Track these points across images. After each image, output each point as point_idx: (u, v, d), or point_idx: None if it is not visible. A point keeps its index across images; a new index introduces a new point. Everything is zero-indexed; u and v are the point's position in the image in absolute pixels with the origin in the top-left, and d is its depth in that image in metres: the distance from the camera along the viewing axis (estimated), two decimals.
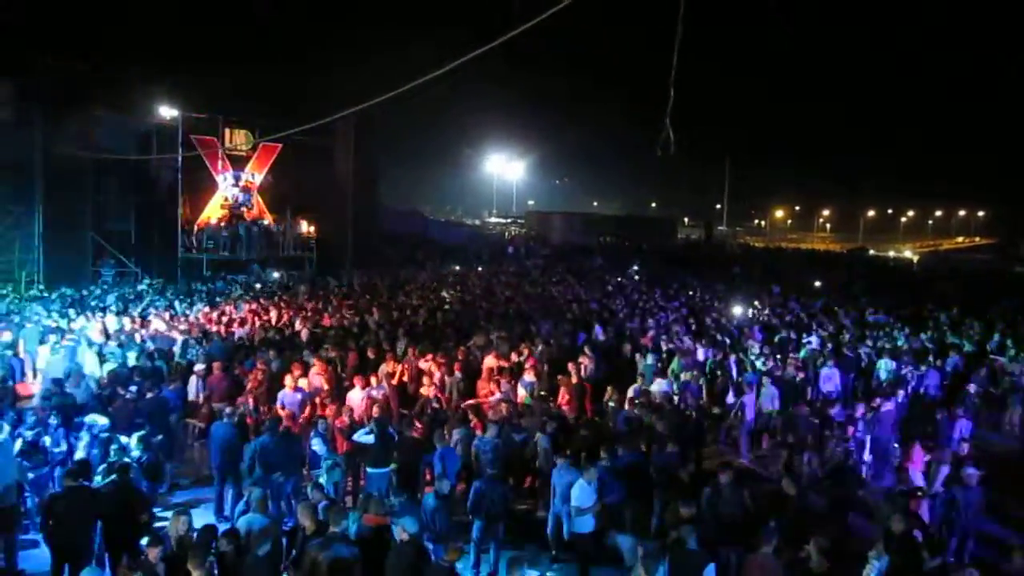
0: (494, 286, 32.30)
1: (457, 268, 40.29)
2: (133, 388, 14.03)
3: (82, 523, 9.10)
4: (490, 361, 16.25)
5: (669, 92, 8.84)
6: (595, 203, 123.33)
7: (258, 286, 30.14)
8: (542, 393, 15.16)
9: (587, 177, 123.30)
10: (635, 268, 41.71)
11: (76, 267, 29.82)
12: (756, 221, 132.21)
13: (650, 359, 17.01)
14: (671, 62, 9.52)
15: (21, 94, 29.13)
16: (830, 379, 16.68)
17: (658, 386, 15.35)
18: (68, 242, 29.73)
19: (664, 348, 18.90)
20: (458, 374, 15.65)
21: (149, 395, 13.37)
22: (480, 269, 40.61)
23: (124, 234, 32.30)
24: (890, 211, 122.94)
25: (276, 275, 34.05)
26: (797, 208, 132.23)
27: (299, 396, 13.75)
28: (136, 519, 9.31)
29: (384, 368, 15.79)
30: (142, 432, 11.52)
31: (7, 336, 17.99)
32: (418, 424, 12.71)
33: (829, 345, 19.95)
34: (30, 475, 10.89)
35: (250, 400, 13.82)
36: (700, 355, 18.53)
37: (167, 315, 22.28)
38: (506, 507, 10.42)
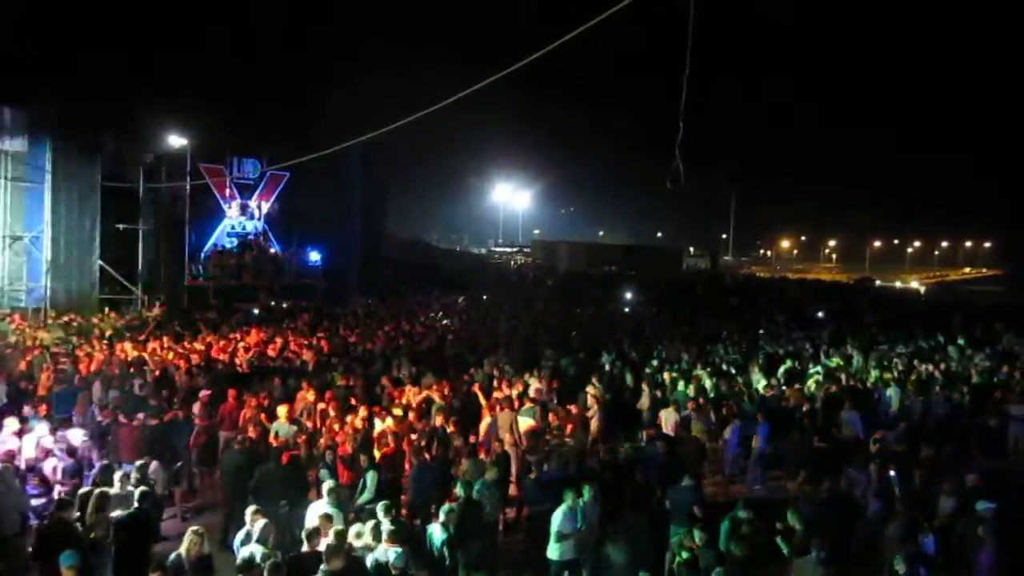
0: (499, 315, 32.33)
1: (462, 298, 40.31)
2: (141, 415, 14.07)
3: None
4: (499, 392, 16.17)
5: (679, 125, 8.87)
6: (601, 232, 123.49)
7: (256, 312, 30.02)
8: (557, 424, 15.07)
9: (593, 206, 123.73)
10: (629, 297, 41.62)
11: (83, 294, 29.88)
12: (762, 251, 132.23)
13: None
14: (680, 94, 9.57)
15: (31, 123, 29.37)
16: (853, 422, 16.29)
17: (669, 416, 15.38)
18: (76, 269, 29.82)
19: (668, 378, 18.84)
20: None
21: (167, 419, 13.45)
22: (485, 298, 40.63)
23: (131, 261, 32.41)
24: (896, 242, 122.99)
25: (284, 304, 34.08)
26: (803, 239, 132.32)
27: (294, 428, 13.69)
28: (147, 549, 9.34)
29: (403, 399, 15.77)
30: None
31: (23, 367, 18.02)
32: (427, 456, 12.63)
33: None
34: (34, 503, 10.87)
35: (250, 429, 13.72)
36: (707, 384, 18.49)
37: (167, 342, 22.27)
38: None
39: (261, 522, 9.20)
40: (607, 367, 20.08)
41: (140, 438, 12.98)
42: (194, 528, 8.77)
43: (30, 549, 9.55)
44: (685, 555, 8.86)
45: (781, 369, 21.01)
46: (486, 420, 14.53)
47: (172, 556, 8.48)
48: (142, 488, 9.96)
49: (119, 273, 31.59)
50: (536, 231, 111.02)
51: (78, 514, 9.51)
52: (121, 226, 31.95)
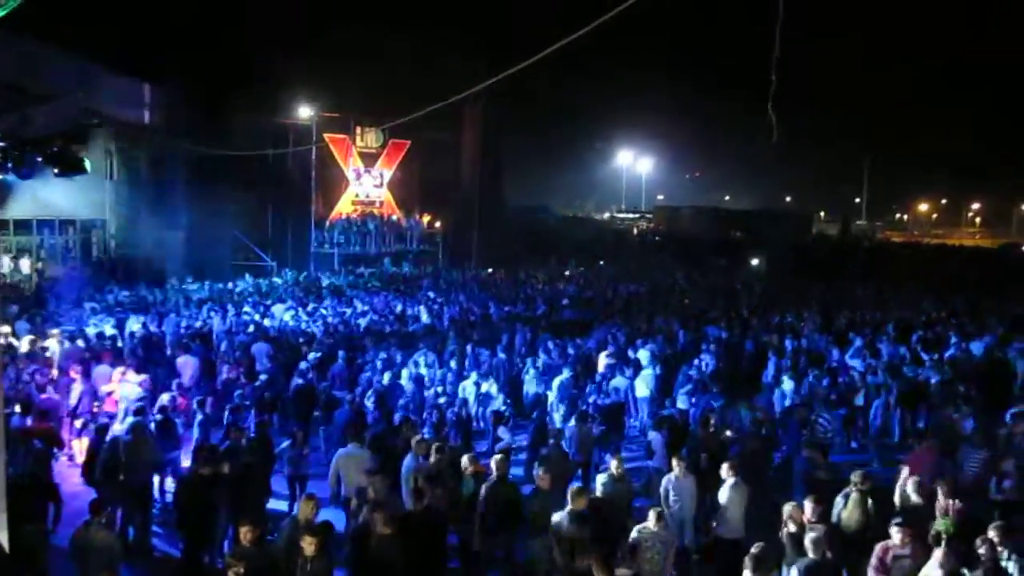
0: (617, 281, 32.09)
1: (580, 266, 40.05)
2: (264, 377, 14.69)
3: (206, 509, 9.39)
4: (603, 359, 16.16)
5: (771, 78, 8.45)
6: (727, 197, 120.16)
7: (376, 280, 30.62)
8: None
9: (720, 171, 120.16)
10: (754, 263, 40.23)
11: (217, 263, 31.09)
12: (897, 215, 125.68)
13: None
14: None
15: (166, 97, 30.71)
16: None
17: (788, 386, 14.96)
18: (210, 239, 31.01)
19: (789, 347, 18.28)
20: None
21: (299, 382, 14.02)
22: (602, 264, 40.34)
23: (261, 230, 33.72)
24: None
25: (397, 268, 34.68)
26: (944, 201, 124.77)
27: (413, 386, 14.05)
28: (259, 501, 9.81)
29: None
30: None
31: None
32: None
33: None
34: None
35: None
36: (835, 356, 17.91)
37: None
38: None
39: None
40: (723, 335, 19.62)
41: (262, 398, 13.56)
42: (308, 493, 9.05)
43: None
44: (793, 528, 8.59)
45: (914, 337, 19.95)
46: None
47: (286, 521, 8.80)
48: (251, 439, 10.41)
49: (250, 242, 32.96)
50: (660, 197, 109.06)
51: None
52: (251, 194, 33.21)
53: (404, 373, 14.78)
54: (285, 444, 11.37)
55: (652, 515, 8.59)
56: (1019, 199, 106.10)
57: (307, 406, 13.77)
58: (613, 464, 9.94)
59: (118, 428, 11.63)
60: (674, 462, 10.29)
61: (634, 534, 8.50)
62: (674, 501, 9.96)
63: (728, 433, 12.29)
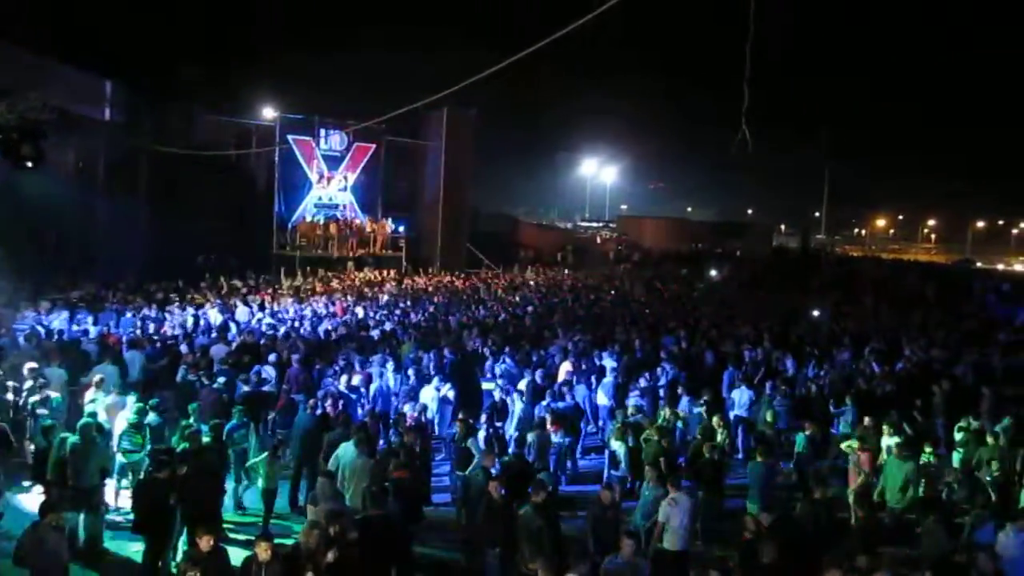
0: (578, 289, 32.17)
1: (542, 272, 40.16)
2: (222, 379, 14.45)
3: (163, 512, 9.26)
4: (566, 366, 16.17)
5: (743, 92, 8.63)
6: (689, 208, 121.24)
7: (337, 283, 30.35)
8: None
9: (682, 182, 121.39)
10: (713, 274, 40.69)
11: (181, 262, 30.37)
12: (856, 230, 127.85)
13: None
14: (752, 61, 9.32)
15: (130, 95, 30.20)
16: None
17: (742, 395, 15.11)
18: (172, 238, 30.36)
19: (747, 358, 18.46)
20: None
21: (246, 388, 13.80)
22: (567, 272, 40.47)
23: (222, 230, 33.22)
24: (1001, 222, 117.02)
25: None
26: (900, 218, 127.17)
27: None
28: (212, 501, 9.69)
29: None
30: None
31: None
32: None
33: None
34: (126, 458, 11.32)
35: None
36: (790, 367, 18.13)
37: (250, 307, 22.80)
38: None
39: (326, 483, 9.40)
40: (682, 344, 19.77)
41: (220, 400, 13.36)
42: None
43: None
44: (748, 536, 8.69)
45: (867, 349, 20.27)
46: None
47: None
48: (205, 442, 10.30)
49: (211, 242, 32.44)
50: (624, 206, 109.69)
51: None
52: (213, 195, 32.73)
53: (357, 379, 14.65)
54: (263, 456, 11.21)
55: (628, 544, 8.25)
56: (973, 217, 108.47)
57: (256, 411, 13.56)
58: (603, 494, 9.65)
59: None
60: (647, 472, 10.34)
61: (605, 565, 8.23)
62: (648, 512, 9.93)
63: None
